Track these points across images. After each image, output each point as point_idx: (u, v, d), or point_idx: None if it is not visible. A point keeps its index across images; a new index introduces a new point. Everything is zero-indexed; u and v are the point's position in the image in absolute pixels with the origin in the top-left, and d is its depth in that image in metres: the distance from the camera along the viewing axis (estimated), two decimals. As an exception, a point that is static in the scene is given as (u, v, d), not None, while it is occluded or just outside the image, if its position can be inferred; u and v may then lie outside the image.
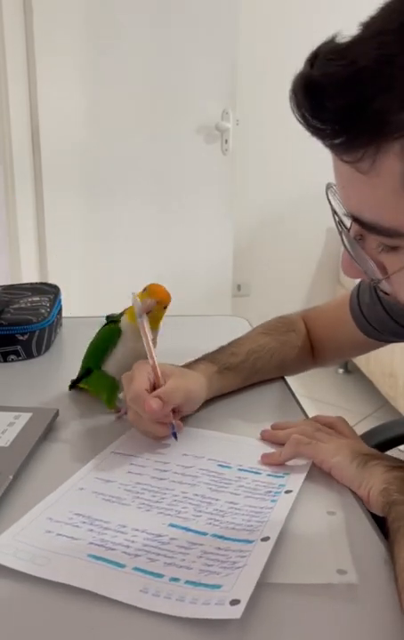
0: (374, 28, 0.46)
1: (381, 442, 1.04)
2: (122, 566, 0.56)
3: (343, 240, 0.58)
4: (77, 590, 0.53)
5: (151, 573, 0.55)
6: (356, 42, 0.46)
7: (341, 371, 3.03)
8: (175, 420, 0.77)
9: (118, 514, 0.64)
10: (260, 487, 0.69)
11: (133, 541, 0.59)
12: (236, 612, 0.50)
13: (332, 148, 0.49)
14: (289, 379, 0.98)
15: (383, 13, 0.46)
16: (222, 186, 2.53)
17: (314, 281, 3.15)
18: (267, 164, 2.93)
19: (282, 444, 0.75)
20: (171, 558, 0.57)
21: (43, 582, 0.54)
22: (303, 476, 0.70)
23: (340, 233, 0.58)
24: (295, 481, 0.69)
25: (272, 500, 0.66)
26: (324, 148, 0.50)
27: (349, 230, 0.56)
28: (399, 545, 0.57)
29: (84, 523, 0.62)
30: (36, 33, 2.09)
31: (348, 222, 0.56)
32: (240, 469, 0.72)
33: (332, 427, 0.80)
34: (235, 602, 0.51)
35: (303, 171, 2.94)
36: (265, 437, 0.79)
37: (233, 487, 0.69)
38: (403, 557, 0.55)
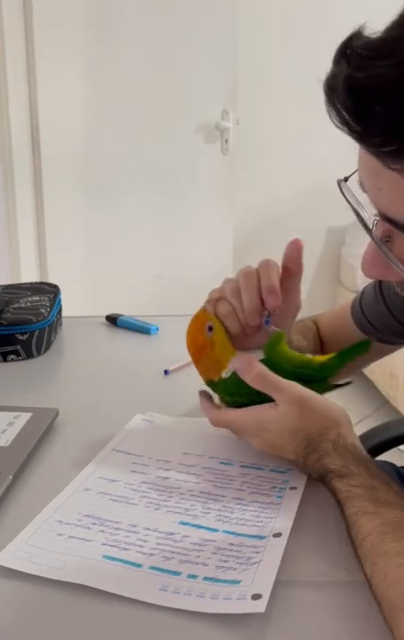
0: None
1: (381, 442, 1.04)
2: (139, 566, 0.56)
3: (372, 237, 0.55)
4: (78, 590, 0.53)
5: (168, 571, 0.55)
6: (396, 38, 0.42)
7: (341, 371, 3.02)
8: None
9: (127, 513, 0.64)
10: (264, 483, 0.69)
11: (145, 540, 0.59)
12: (259, 607, 0.50)
13: (378, 155, 0.46)
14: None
15: None
16: (222, 186, 2.53)
17: (314, 281, 3.15)
18: (267, 164, 2.93)
19: None
20: (186, 556, 0.57)
21: (43, 583, 0.54)
22: None
23: (369, 231, 0.55)
24: (299, 476, 0.70)
25: (278, 496, 0.66)
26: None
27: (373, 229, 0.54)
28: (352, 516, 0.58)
29: (94, 524, 0.62)
30: (36, 33, 2.09)
31: (370, 222, 0.53)
32: (242, 466, 0.73)
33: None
34: (257, 596, 0.51)
35: (303, 170, 2.95)
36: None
37: (238, 483, 0.69)
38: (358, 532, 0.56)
